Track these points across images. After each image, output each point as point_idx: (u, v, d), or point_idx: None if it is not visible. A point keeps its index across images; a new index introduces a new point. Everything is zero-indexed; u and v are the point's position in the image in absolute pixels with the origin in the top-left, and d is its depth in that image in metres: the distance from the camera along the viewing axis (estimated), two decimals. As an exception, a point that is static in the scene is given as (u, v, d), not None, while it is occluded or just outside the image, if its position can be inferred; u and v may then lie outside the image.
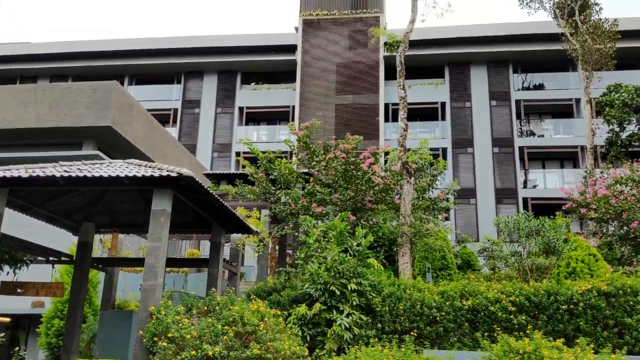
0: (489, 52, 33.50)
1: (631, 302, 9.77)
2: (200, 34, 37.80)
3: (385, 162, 19.26)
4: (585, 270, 12.72)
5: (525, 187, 31.77)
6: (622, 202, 15.59)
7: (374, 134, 31.95)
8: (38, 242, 10.90)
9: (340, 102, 33.54)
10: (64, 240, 13.55)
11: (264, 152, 16.45)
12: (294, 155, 18.19)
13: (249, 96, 36.00)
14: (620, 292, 9.88)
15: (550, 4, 26.13)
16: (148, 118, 21.60)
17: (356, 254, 10.87)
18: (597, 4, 25.81)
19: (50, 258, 11.66)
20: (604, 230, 17.45)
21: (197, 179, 8.40)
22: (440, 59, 34.31)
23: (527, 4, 26.51)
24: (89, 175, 8.21)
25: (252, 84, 37.07)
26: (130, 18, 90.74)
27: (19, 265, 10.69)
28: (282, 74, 36.58)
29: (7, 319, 18.24)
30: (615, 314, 9.71)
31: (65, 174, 8.17)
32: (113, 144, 19.23)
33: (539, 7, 26.32)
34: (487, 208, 30.86)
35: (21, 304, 16.30)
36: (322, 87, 33.97)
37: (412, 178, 15.13)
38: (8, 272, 10.61)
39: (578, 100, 31.94)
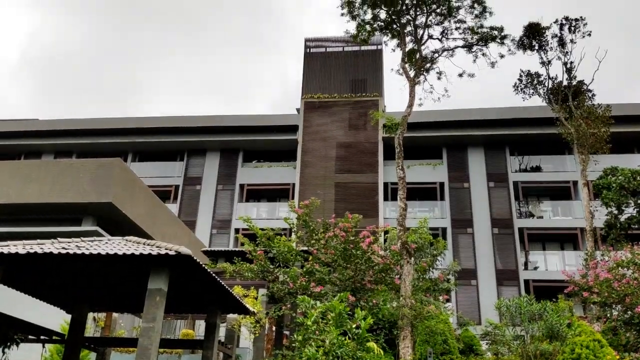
0: (486, 134, 34.26)
1: (640, 392, 9.42)
2: (203, 114, 38.76)
3: (385, 241, 19.20)
4: (590, 356, 12.36)
5: (526, 268, 31.47)
6: (625, 286, 15.39)
7: (373, 213, 32.04)
8: (28, 319, 10.65)
9: (340, 181, 33.90)
10: (56, 318, 13.26)
11: (263, 230, 16.43)
12: (293, 233, 18.17)
13: (250, 173, 36.45)
14: (628, 381, 9.56)
15: (544, 90, 27.03)
16: (149, 194, 21.74)
17: (355, 337, 10.59)
18: (589, 91, 26.68)
19: (42, 337, 11.35)
20: (608, 315, 17.11)
21: (195, 258, 8.35)
22: (438, 140, 35.02)
23: (521, 89, 27.40)
24: (86, 252, 8.16)
25: (253, 161, 37.62)
26: (138, 97, 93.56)
27: (8, 344, 10.38)
28: (284, 153, 37.23)
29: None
30: (624, 405, 9.33)
31: (63, 251, 8.13)
32: (113, 220, 19.24)
33: (533, 92, 27.20)
34: (488, 289, 30.41)
35: (7, 385, 15.67)
36: (322, 165, 34.46)
37: (412, 258, 15.04)
38: (-3, 351, 10.29)
39: (575, 183, 32.27)
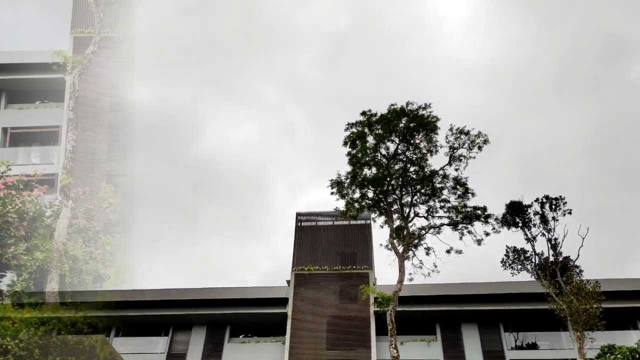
0: (479, 309, 33.72)
1: None
2: (190, 287, 38.28)
3: None
4: None
5: None
6: None
7: (366, 395, 30.25)
8: None
9: (331, 358, 32.47)
10: None
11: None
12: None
13: (236, 349, 34.88)
14: None
15: (531, 265, 27.34)
16: (129, 374, 20.65)
17: None
18: (576, 266, 27.01)
19: None
20: None
21: None
22: (431, 315, 34.34)
23: (509, 265, 27.72)
24: None
25: (240, 336, 36.33)
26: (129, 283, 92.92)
27: None
28: (272, 327, 36.10)
29: None
30: None
31: None
32: (88, 402, 18.05)
33: (521, 268, 27.48)
34: None
35: None
36: (312, 341, 33.24)
37: None
38: None
39: (574, 362, 31.11)
